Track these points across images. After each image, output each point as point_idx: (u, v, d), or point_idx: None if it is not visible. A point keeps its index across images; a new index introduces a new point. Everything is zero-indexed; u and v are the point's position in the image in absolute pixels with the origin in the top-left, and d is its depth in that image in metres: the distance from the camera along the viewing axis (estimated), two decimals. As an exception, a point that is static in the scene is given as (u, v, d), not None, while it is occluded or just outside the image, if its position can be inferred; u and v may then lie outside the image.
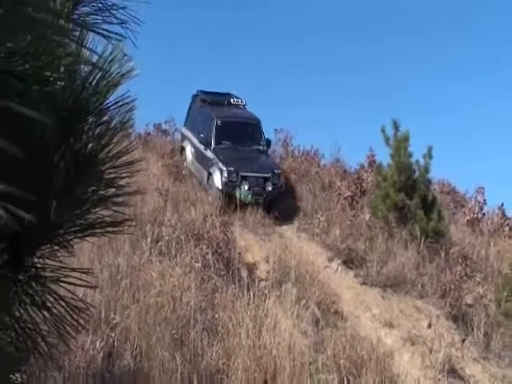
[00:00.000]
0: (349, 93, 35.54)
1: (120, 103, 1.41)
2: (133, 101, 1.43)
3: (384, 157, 13.62)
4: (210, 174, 13.43)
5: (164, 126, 18.84)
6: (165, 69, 31.09)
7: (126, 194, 1.51)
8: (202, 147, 14.14)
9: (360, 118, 33.13)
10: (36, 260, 1.21)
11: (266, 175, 13.18)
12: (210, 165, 13.50)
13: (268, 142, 15.01)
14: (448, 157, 25.45)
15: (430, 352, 8.04)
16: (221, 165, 13.08)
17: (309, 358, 6.99)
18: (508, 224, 15.59)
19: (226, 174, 12.87)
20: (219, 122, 14.12)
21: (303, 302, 8.49)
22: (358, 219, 12.65)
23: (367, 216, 12.79)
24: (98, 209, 1.43)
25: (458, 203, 17.58)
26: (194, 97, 16.01)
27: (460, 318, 9.42)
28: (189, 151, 15.19)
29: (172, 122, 18.62)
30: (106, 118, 1.42)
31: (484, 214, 16.11)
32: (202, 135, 14.15)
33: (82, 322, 1.21)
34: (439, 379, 7.61)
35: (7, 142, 0.94)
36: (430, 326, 8.83)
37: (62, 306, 1.19)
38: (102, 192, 1.45)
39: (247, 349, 6.51)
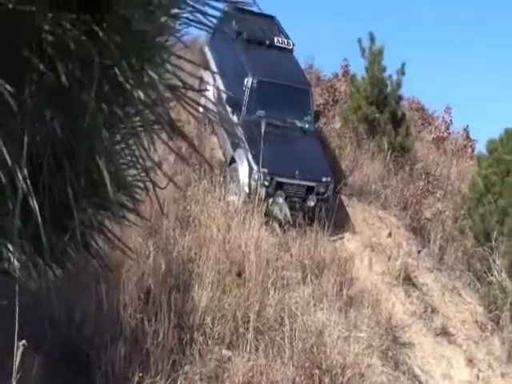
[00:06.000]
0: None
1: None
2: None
3: (359, 68, 13.55)
4: (233, 160, 9.63)
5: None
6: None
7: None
8: (228, 108, 10.10)
9: (337, 29, 32.50)
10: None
11: (310, 184, 9.32)
12: (236, 144, 9.71)
13: (316, 116, 11.05)
14: (420, 75, 25.47)
15: (389, 259, 8.44)
16: (250, 158, 9.18)
17: (274, 256, 7.24)
18: (471, 146, 16.02)
19: (256, 177, 8.92)
20: (256, 83, 10.11)
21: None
22: (328, 127, 12.74)
23: (338, 125, 12.91)
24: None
25: (426, 121, 17.80)
26: (225, 14, 10.99)
27: (418, 231, 9.84)
28: (210, 89, 10.52)
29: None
30: None
31: (449, 134, 16.48)
32: (229, 94, 10.28)
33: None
34: (394, 285, 8.04)
35: None
36: (390, 235, 9.21)
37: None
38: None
39: (217, 242, 6.69)
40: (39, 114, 1.04)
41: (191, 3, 1.14)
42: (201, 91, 1.24)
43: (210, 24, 1.07)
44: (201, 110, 1.08)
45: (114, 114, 1.14)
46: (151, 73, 1.12)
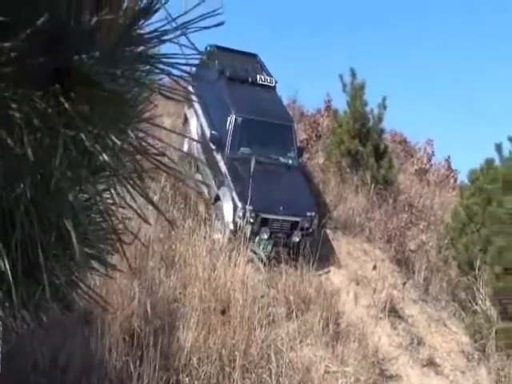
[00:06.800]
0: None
1: None
2: None
3: (340, 103, 13.78)
4: (217, 197, 9.60)
5: None
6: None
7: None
8: (212, 146, 10.21)
9: (319, 64, 33.04)
10: None
11: (295, 219, 9.36)
12: (220, 182, 9.74)
13: (300, 152, 11.19)
14: (402, 108, 25.89)
15: (374, 292, 8.49)
16: (234, 195, 9.21)
17: (260, 292, 7.28)
18: (453, 176, 16.28)
19: (240, 214, 8.93)
20: (240, 120, 10.22)
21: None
22: (312, 162, 12.91)
23: (321, 160, 13.09)
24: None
25: (408, 153, 18.07)
26: (207, 54, 11.38)
27: (403, 262, 9.92)
28: (194, 128, 11.25)
29: None
30: None
31: (431, 165, 16.75)
32: (213, 132, 10.29)
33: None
34: (380, 318, 8.08)
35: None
36: (375, 268, 9.28)
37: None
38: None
39: (203, 280, 6.73)
40: (10, 178, 1.12)
41: (160, 67, 1.23)
42: (164, 155, 1.33)
43: (179, 92, 1.17)
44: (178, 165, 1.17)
45: (81, 176, 1.22)
46: (114, 139, 1.20)
